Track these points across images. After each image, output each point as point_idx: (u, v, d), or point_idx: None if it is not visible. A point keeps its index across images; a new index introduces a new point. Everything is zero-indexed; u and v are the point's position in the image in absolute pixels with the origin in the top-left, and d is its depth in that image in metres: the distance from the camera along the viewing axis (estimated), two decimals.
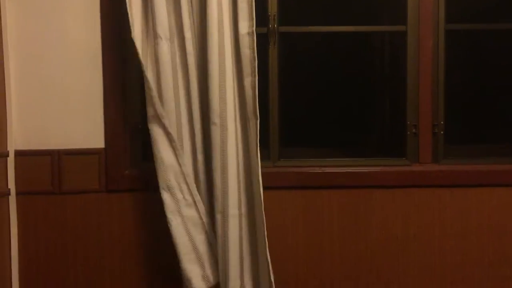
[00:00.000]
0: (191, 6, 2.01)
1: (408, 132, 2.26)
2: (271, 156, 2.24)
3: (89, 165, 2.15)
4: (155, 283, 2.20)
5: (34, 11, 2.12)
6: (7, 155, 2.11)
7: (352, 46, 2.58)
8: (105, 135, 2.16)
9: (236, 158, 2.02)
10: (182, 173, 2.02)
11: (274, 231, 2.16)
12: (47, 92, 2.14)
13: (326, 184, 2.19)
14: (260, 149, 2.01)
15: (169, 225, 2.02)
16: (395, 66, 2.41)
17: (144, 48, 2.01)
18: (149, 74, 2.00)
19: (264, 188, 2.04)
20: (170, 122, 2.01)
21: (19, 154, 2.14)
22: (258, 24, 2.03)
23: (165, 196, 2.02)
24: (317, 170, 2.21)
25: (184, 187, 2.03)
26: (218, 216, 2.01)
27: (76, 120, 2.15)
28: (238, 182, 2.04)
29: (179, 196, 2.03)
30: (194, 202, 2.04)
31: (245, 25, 1.99)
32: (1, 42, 2.08)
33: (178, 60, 2.02)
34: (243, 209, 2.05)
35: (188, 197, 2.04)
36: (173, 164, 2.02)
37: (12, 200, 2.13)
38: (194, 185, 2.04)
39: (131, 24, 1.96)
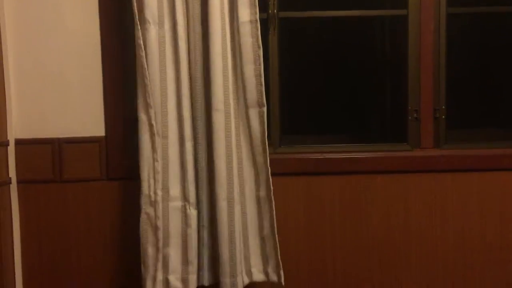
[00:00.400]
0: None
1: (410, 117, 2.25)
2: (272, 143, 2.23)
3: (90, 153, 2.15)
4: None
5: (32, 0, 2.11)
6: (8, 144, 2.11)
7: (352, 31, 2.56)
8: (106, 123, 2.15)
9: (235, 146, 2.02)
10: (154, 168, 1.99)
11: (276, 218, 2.15)
12: (46, 81, 2.14)
13: (327, 170, 2.19)
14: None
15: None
16: (396, 51, 2.39)
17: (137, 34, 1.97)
18: (138, 61, 1.97)
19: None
20: (156, 111, 1.98)
21: (19, 143, 2.14)
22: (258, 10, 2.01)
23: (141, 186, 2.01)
24: (318, 156, 2.20)
25: (152, 182, 1.99)
26: (223, 204, 1.99)
27: (76, 108, 2.15)
28: (240, 168, 2.03)
29: (149, 190, 1.99)
30: (164, 198, 2.01)
31: (247, 13, 1.98)
32: (0, 31, 2.07)
33: (168, 45, 1.98)
34: (249, 194, 2.06)
35: (159, 192, 2.00)
36: (149, 157, 1.99)
37: (13, 188, 2.13)
38: (173, 180, 2.01)
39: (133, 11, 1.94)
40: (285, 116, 2.30)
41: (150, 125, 1.98)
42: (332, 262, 2.22)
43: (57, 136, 2.14)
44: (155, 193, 2.00)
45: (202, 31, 2.01)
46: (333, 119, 2.58)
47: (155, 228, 2.01)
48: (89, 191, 2.16)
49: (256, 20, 1.98)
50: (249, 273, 2.08)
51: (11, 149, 2.13)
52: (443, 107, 2.24)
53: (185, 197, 2.01)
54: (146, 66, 1.95)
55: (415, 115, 2.24)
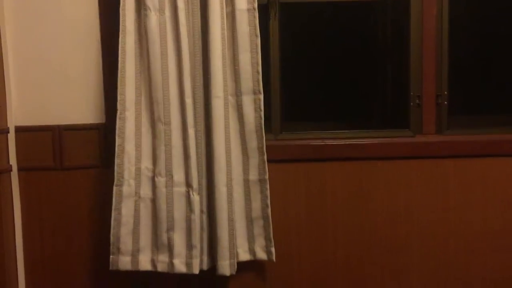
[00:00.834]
0: None
1: (412, 103, 2.24)
2: (273, 130, 2.23)
3: (90, 141, 2.15)
4: None
5: None
6: (8, 132, 2.10)
7: (354, 17, 2.53)
8: (105, 110, 2.14)
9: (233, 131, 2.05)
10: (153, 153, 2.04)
11: (277, 204, 2.16)
12: (46, 68, 2.13)
13: (329, 157, 2.18)
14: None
15: None
16: (398, 35, 2.37)
17: (137, 21, 2.00)
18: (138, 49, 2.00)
19: (266, 161, 2.06)
20: (158, 98, 1.99)
21: (19, 130, 2.13)
22: None
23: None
24: (320, 142, 2.19)
25: (133, 169, 2.03)
26: (224, 189, 2.01)
27: (76, 95, 2.14)
28: (234, 154, 2.06)
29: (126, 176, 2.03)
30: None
31: (244, 1, 1.98)
32: None
33: (168, 31, 1.98)
34: (249, 177, 2.08)
35: (161, 178, 2.03)
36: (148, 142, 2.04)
37: (14, 176, 2.13)
38: (177, 165, 2.02)
39: None
40: (286, 103, 2.29)
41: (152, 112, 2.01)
42: (333, 249, 2.22)
43: (57, 123, 2.14)
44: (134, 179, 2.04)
45: (201, 18, 2.01)
46: (334, 106, 2.56)
47: (154, 210, 2.04)
48: (90, 178, 2.16)
49: (254, 9, 1.99)
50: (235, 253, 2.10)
51: (12, 136, 2.12)
52: (445, 93, 2.23)
53: (188, 183, 2.02)
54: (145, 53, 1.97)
55: (417, 101, 2.23)
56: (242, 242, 2.11)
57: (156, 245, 2.05)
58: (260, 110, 2.04)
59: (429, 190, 2.20)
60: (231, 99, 2.05)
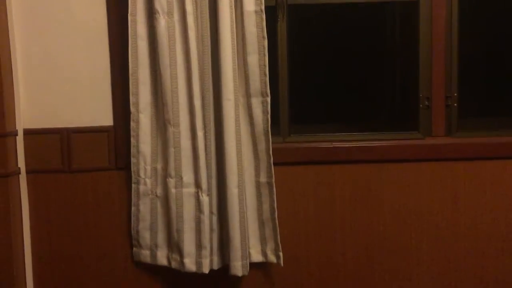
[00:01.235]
0: None
1: (421, 105, 2.22)
2: (281, 132, 2.22)
3: (98, 143, 2.15)
4: None
5: None
6: (16, 134, 2.11)
7: (362, 18, 2.52)
8: (114, 112, 2.15)
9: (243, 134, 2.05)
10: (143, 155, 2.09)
11: (285, 206, 2.15)
12: (54, 71, 2.13)
13: (337, 159, 2.17)
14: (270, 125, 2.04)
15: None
16: (407, 37, 2.36)
17: (147, 25, 2.02)
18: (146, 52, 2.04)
19: (274, 164, 2.06)
20: (167, 101, 2.01)
21: (28, 132, 2.14)
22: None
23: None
24: (328, 145, 2.18)
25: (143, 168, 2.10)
26: (235, 191, 2.01)
27: (84, 98, 2.14)
28: (244, 156, 2.06)
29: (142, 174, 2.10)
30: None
31: (252, 2, 1.98)
32: (7, 22, 2.07)
33: (177, 35, 1.99)
34: (250, 180, 2.09)
35: (171, 179, 2.06)
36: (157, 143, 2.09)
37: (23, 178, 2.14)
38: (186, 167, 2.05)
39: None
40: (295, 105, 2.28)
41: (165, 117, 2.03)
42: (342, 252, 2.21)
43: (66, 126, 2.14)
44: (148, 177, 2.10)
45: (210, 20, 2.01)
46: (343, 108, 2.55)
47: (167, 209, 2.08)
48: (98, 180, 2.16)
49: (262, 11, 1.99)
50: (248, 254, 2.10)
51: (20, 139, 2.13)
52: (455, 94, 2.21)
53: (197, 184, 2.04)
54: (158, 57, 2.00)
55: (426, 102, 2.21)
56: (255, 242, 2.12)
57: (169, 242, 2.10)
58: (267, 113, 2.04)
59: (438, 192, 2.18)
60: (242, 101, 2.05)
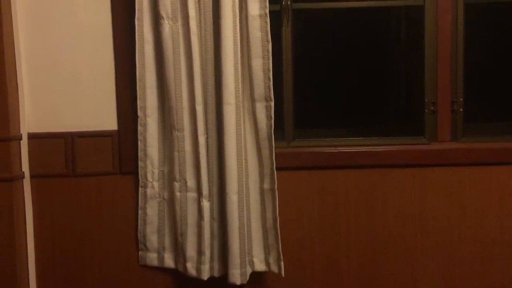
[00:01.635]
0: None
1: (426, 110, 2.21)
2: (285, 137, 2.21)
3: (103, 148, 2.15)
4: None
5: None
6: (21, 138, 2.11)
7: (368, 22, 2.52)
8: (118, 117, 2.14)
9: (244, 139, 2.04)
10: (150, 158, 2.10)
11: (289, 212, 2.15)
12: (59, 75, 2.13)
13: (342, 164, 2.16)
14: (274, 130, 2.03)
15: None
16: (413, 42, 2.35)
17: (153, 29, 2.03)
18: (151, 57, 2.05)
19: (279, 169, 2.05)
20: (170, 106, 2.01)
21: (32, 137, 2.14)
22: (271, 1, 2.01)
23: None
24: (333, 150, 2.17)
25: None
26: (234, 197, 2.00)
27: (88, 102, 2.14)
28: (246, 162, 2.05)
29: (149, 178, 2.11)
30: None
31: (256, 7, 1.98)
32: (12, 25, 2.07)
33: (181, 39, 2.00)
34: (254, 186, 2.08)
35: (176, 183, 2.07)
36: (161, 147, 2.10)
37: (27, 183, 2.14)
38: (190, 171, 2.05)
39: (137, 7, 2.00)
40: (299, 110, 2.28)
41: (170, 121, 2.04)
42: (347, 257, 2.20)
43: (70, 130, 2.14)
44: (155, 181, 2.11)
45: (213, 24, 2.01)
46: (348, 112, 2.54)
47: (173, 212, 2.09)
48: (102, 185, 2.16)
49: (266, 15, 1.99)
50: (251, 262, 2.10)
51: (24, 143, 2.13)
52: (461, 99, 2.20)
53: (198, 189, 2.04)
54: (164, 61, 2.00)
55: (432, 107, 2.20)
56: (259, 251, 2.10)
57: (176, 245, 2.11)
58: (271, 117, 2.03)
59: (444, 198, 2.17)
60: (247, 105, 2.04)
